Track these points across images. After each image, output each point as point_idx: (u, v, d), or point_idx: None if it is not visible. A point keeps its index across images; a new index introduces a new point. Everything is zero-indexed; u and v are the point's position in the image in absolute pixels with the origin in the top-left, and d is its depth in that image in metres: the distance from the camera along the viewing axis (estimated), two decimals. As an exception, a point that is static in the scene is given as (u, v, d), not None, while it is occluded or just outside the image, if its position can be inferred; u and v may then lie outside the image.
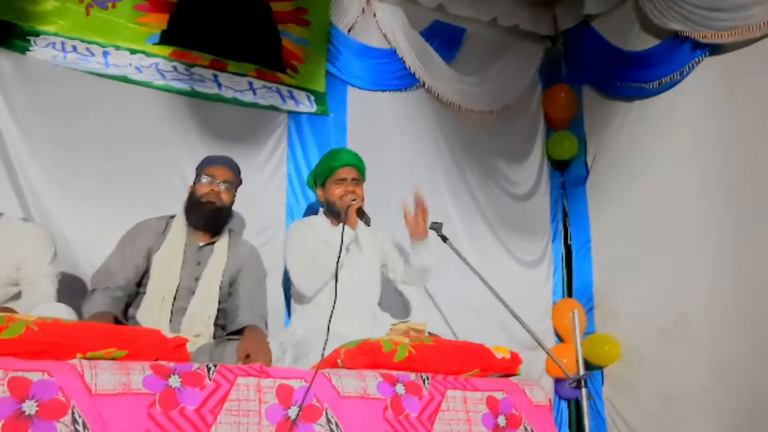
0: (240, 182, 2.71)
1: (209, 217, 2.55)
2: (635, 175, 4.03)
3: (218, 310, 2.51)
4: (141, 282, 2.47)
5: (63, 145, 2.91)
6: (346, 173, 2.84)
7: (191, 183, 2.68)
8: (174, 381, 1.68)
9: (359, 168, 2.90)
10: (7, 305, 2.12)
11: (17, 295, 2.27)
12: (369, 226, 2.71)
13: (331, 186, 2.85)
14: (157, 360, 1.75)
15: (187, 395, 1.68)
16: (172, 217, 2.61)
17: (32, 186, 2.81)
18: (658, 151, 3.91)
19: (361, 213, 2.71)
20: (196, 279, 2.49)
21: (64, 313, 2.01)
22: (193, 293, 2.47)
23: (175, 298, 2.43)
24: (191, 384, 1.70)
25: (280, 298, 3.26)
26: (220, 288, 2.53)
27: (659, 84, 3.92)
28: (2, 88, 2.81)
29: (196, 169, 2.67)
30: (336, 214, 2.81)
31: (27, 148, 2.83)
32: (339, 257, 2.45)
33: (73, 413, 1.52)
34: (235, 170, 2.67)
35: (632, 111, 4.10)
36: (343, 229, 2.58)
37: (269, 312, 2.89)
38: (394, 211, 3.66)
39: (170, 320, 2.40)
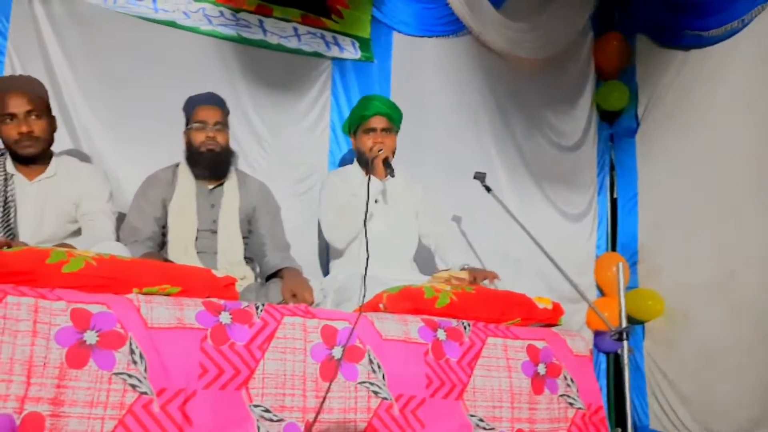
0: (228, 112, 2.66)
1: (214, 164, 2.55)
2: (688, 128, 3.91)
3: (244, 247, 2.58)
4: (165, 232, 2.54)
5: (114, 89, 2.96)
6: (377, 123, 2.80)
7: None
8: (224, 317, 1.75)
9: (391, 117, 2.84)
10: (67, 242, 2.21)
11: (76, 232, 2.36)
12: (393, 177, 2.70)
13: (362, 136, 2.83)
14: (208, 297, 1.82)
15: (237, 331, 1.75)
16: (177, 165, 2.63)
17: (85, 128, 2.89)
18: (714, 104, 3.77)
19: (386, 164, 2.69)
20: (214, 221, 2.54)
21: (121, 251, 2.08)
22: (216, 233, 2.53)
23: (197, 240, 2.49)
24: (240, 321, 1.76)
25: (322, 244, 3.32)
26: (240, 225, 2.58)
27: (718, 32, 3.74)
28: (55, 30, 2.85)
29: (184, 110, 2.63)
30: (366, 164, 2.81)
31: (80, 91, 2.89)
32: (366, 209, 2.44)
33: (130, 344, 1.60)
34: (222, 106, 2.63)
35: (688, 61, 3.95)
36: (369, 180, 2.56)
37: (311, 257, 2.95)
38: (437, 159, 3.67)
39: (198, 260, 2.46)
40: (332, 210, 2.73)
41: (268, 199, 2.70)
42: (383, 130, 2.80)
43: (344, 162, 3.35)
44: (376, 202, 2.71)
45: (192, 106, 2.60)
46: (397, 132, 2.87)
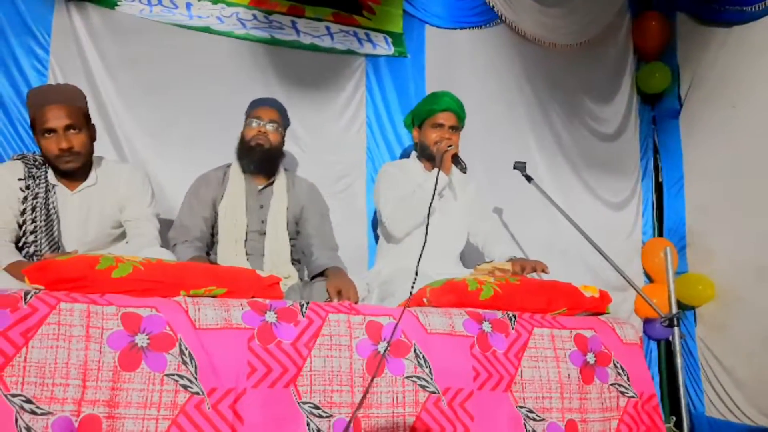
0: (288, 123, 2.70)
1: (260, 159, 2.57)
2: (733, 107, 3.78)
3: (291, 249, 2.61)
4: (213, 232, 2.58)
5: (153, 96, 3.03)
6: (445, 119, 2.79)
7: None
8: (270, 317, 1.77)
9: (459, 115, 2.82)
10: (112, 246, 2.26)
11: (120, 236, 2.40)
12: (465, 173, 2.69)
13: (428, 129, 2.81)
14: (253, 297, 1.84)
15: (283, 330, 1.76)
16: (229, 165, 2.67)
17: (127, 136, 2.97)
18: (759, 80, 3.66)
19: (456, 160, 2.69)
20: (263, 221, 2.57)
21: (166, 256, 2.11)
22: (264, 234, 2.56)
23: (246, 241, 2.53)
24: (286, 320, 1.78)
25: (362, 241, 3.33)
26: (287, 226, 2.60)
27: (762, 6, 3.61)
28: (95, 42, 2.94)
29: (245, 114, 2.67)
30: (429, 158, 2.80)
31: (120, 100, 2.96)
32: (431, 202, 2.43)
33: (180, 346, 1.64)
34: (281, 110, 2.67)
35: (730, 37, 3.83)
36: (438, 174, 2.55)
37: (352, 255, 2.95)
38: (475, 151, 3.64)
39: (247, 262, 2.50)
40: (395, 200, 2.72)
41: (316, 200, 2.73)
42: (451, 127, 2.79)
43: (404, 156, 3.34)
44: (441, 196, 2.71)
45: (252, 106, 2.67)
46: (460, 130, 2.85)
